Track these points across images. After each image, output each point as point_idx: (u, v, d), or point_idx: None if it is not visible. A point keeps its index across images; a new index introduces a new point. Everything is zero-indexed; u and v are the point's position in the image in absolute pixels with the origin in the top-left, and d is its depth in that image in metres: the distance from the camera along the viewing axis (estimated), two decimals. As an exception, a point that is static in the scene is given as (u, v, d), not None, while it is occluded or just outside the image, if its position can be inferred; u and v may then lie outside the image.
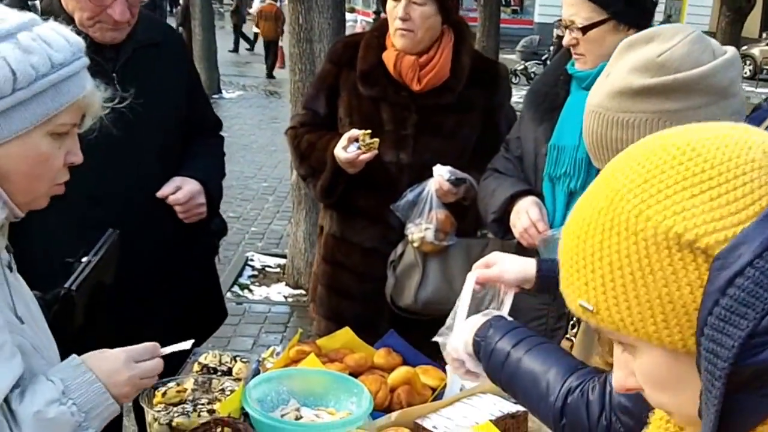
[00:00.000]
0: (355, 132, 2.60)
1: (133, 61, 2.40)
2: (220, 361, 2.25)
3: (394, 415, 1.95)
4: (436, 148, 2.69)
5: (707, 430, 0.73)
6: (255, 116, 13.56)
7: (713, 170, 0.75)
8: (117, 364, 1.50)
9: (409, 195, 2.63)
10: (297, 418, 2.00)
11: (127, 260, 2.27)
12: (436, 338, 1.88)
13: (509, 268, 1.89)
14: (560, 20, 2.39)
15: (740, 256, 0.70)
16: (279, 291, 6.19)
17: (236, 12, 22.60)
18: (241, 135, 11.55)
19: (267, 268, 6.61)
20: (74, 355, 1.47)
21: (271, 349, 2.40)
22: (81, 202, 2.25)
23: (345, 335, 2.35)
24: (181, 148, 2.60)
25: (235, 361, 2.24)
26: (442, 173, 2.56)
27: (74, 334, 1.72)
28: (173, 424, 1.88)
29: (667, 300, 0.75)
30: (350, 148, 2.60)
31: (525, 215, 2.29)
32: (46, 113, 1.38)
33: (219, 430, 1.82)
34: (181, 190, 2.47)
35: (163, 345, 2.18)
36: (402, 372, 2.13)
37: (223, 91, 15.40)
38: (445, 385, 2.15)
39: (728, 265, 0.71)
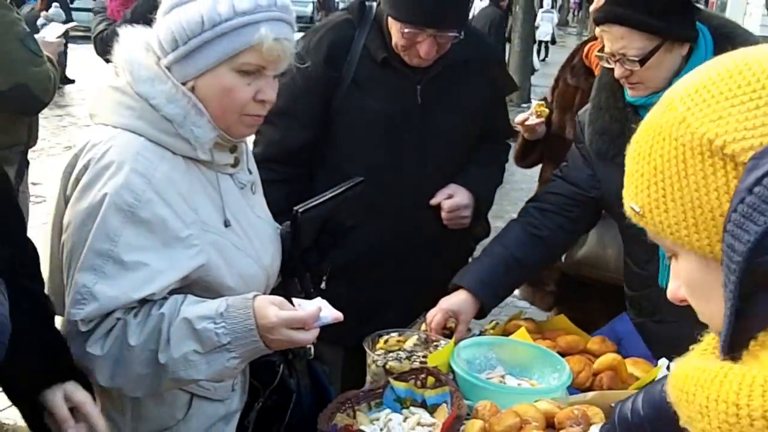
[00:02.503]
0: (534, 102, 3.02)
1: (439, 78, 2.60)
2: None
3: (590, 394, 2.02)
4: None
5: (725, 326, 0.78)
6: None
7: (758, 83, 0.78)
8: (271, 324, 1.61)
9: None
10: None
11: (387, 247, 2.60)
12: None
13: None
14: (602, 54, 2.24)
15: None
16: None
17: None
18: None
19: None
20: (255, 293, 1.68)
21: (493, 322, 2.57)
22: (369, 189, 2.45)
23: (561, 321, 2.45)
24: (467, 156, 2.77)
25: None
26: None
27: (302, 252, 2.00)
28: (387, 366, 2.14)
29: (697, 204, 0.80)
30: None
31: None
32: (226, 52, 1.68)
33: (423, 376, 2.04)
34: (451, 200, 2.65)
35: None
36: (609, 358, 2.18)
37: (533, 101, 15.59)
38: (653, 380, 2.16)
39: (760, 166, 0.74)
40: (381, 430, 1.87)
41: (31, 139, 3.66)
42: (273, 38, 1.70)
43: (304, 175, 2.65)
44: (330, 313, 1.69)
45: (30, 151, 3.71)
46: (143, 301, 1.65)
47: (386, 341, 2.27)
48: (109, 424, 1.78)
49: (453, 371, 2.11)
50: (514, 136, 3.19)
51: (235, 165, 1.86)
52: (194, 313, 1.63)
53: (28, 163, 3.62)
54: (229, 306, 1.64)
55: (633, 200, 0.89)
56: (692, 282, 0.86)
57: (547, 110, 3.13)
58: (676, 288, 0.91)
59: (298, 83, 2.57)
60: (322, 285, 2.56)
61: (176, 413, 1.84)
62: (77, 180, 1.68)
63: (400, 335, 2.30)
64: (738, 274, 0.74)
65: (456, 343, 2.20)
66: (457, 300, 2.38)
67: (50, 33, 3.87)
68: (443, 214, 2.66)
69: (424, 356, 2.22)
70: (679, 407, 0.83)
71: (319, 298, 1.73)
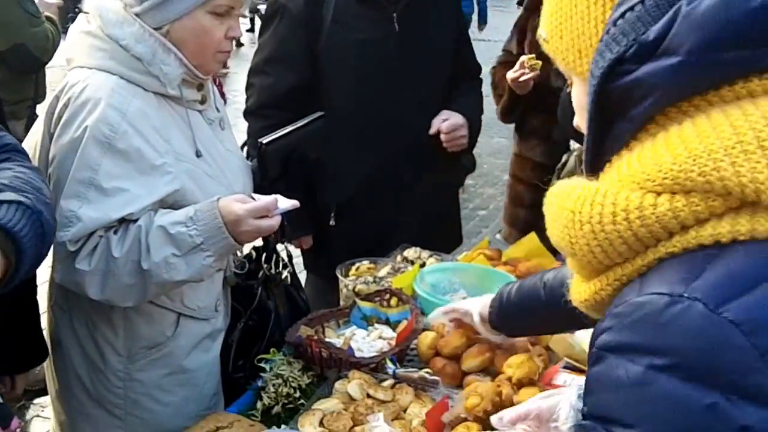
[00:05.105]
0: (523, 57, 3.02)
1: (411, 6, 2.78)
2: (419, 256, 2.67)
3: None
4: None
5: (586, 147, 0.90)
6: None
7: None
8: (237, 217, 1.81)
9: None
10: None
11: (390, 174, 2.79)
12: None
13: None
14: None
15: None
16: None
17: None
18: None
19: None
20: (217, 196, 1.87)
21: (465, 254, 2.76)
22: (361, 121, 2.74)
23: (530, 242, 2.63)
24: (447, 88, 2.96)
25: (431, 258, 2.65)
26: None
27: (270, 182, 2.16)
28: (356, 290, 2.35)
29: (581, 32, 0.90)
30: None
31: None
32: None
33: (387, 296, 2.25)
34: (447, 122, 2.85)
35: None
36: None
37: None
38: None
39: (627, 1, 0.83)
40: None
41: (39, 94, 3.86)
42: None
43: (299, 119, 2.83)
44: (287, 202, 1.90)
45: (39, 106, 3.91)
46: (122, 221, 1.83)
47: (358, 269, 2.48)
48: (104, 344, 2.02)
49: (416, 293, 2.32)
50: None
51: (202, 102, 2.04)
52: (168, 221, 1.83)
53: (36, 117, 3.82)
54: (197, 210, 1.84)
55: (543, 28, 0.99)
56: (578, 106, 0.96)
57: (539, 62, 3.13)
58: (579, 118, 1.01)
59: (283, 30, 2.76)
60: (331, 222, 2.78)
61: (165, 331, 2.04)
62: (59, 118, 1.86)
63: (371, 263, 2.51)
64: (593, 97, 0.85)
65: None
66: None
67: None
68: (443, 136, 2.83)
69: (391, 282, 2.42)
70: (546, 216, 0.95)
71: (274, 194, 1.91)
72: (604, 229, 0.82)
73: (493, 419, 1.45)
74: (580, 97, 0.94)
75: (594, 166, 0.90)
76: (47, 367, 2.19)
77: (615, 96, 0.84)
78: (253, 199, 1.87)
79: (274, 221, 1.87)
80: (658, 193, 0.79)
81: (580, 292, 0.92)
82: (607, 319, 0.83)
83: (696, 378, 0.74)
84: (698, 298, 0.75)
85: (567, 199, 0.88)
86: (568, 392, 1.42)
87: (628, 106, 0.84)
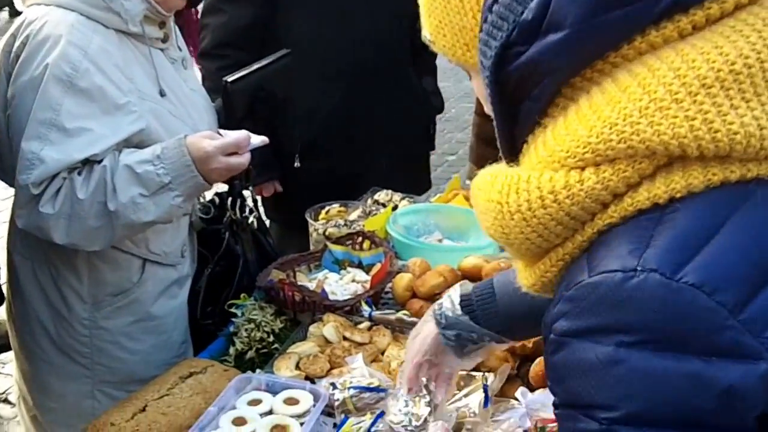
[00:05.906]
0: None
1: None
2: (391, 199, 2.61)
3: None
4: None
5: (498, 136, 0.89)
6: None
7: None
8: (207, 154, 1.75)
9: None
10: (437, 246, 2.31)
11: (355, 110, 2.71)
12: None
13: None
14: None
15: None
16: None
17: None
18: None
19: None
20: (184, 134, 1.80)
21: (439, 195, 2.71)
22: (324, 55, 2.65)
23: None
24: (412, 17, 2.87)
25: (404, 200, 2.59)
26: None
27: (236, 122, 2.05)
28: (326, 233, 2.29)
29: (461, 26, 0.90)
30: None
31: None
32: None
33: (360, 239, 2.20)
34: None
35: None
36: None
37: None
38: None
39: None
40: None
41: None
42: None
43: (257, 59, 2.74)
44: (257, 138, 1.83)
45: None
46: (86, 162, 1.75)
47: (328, 212, 2.42)
48: (68, 291, 1.94)
49: (389, 235, 2.26)
50: None
51: (165, 40, 1.95)
52: (134, 159, 1.76)
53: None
54: (164, 148, 1.77)
55: (426, 30, 0.98)
56: (482, 96, 0.94)
57: None
58: (486, 107, 0.98)
59: None
60: (296, 164, 2.70)
61: (131, 277, 1.97)
62: (17, 56, 1.77)
63: (341, 207, 2.45)
64: (491, 87, 0.83)
65: None
66: None
67: None
68: None
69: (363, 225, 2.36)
70: (474, 209, 0.92)
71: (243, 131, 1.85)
72: (535, 215, 0.80)
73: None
74: (480, 87, 0.91)
75: (511, 151, 0.88)
76: (8, 319, 2.11)
77: (513, 80, 0.82)
78: (222, 135, 1.80)
79: (245, 158, 1.80)
80: (582, 168, 0.77)
81: (526, 277, 0.89)
82: (560, 304, 0.79)
83: (669, 348, 0.72)
84: (653, 268, 0.72)
85: (491, 191, 0.85)
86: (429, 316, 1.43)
87: (529, 86, 0.81)
